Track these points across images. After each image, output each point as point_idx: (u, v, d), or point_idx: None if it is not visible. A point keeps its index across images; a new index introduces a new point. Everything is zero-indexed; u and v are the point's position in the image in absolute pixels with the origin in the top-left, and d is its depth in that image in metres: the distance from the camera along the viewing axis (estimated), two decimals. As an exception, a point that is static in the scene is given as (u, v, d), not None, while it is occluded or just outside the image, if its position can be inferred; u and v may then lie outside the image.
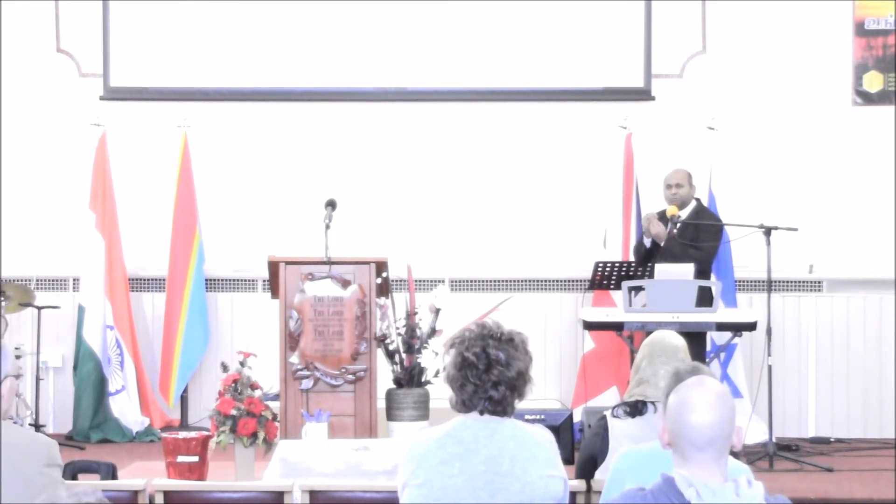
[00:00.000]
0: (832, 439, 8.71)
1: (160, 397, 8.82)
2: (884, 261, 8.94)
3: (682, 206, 8.11)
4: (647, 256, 8.12)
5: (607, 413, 4.68)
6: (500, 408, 3.54)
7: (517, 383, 3.54)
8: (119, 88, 9.15)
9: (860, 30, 9.08)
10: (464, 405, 3.56)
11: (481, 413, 3.55)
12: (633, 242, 8.50)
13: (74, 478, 5.76)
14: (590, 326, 7.82)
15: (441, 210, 9.14)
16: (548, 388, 8.74)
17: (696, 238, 8.00)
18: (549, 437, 3.60)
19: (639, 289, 7.77)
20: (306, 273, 6.77)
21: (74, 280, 8.96)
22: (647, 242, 8.09)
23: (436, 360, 6.58)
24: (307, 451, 5.89)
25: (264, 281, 8.54)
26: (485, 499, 3.48)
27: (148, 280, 9.07)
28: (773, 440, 7.61)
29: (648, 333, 6.28)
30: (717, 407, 3.01)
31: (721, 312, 7.65)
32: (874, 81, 9.08)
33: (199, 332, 8.80)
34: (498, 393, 3.52)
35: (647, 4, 9.06)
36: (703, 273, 7.86)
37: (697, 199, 8.21)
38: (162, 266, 8.86)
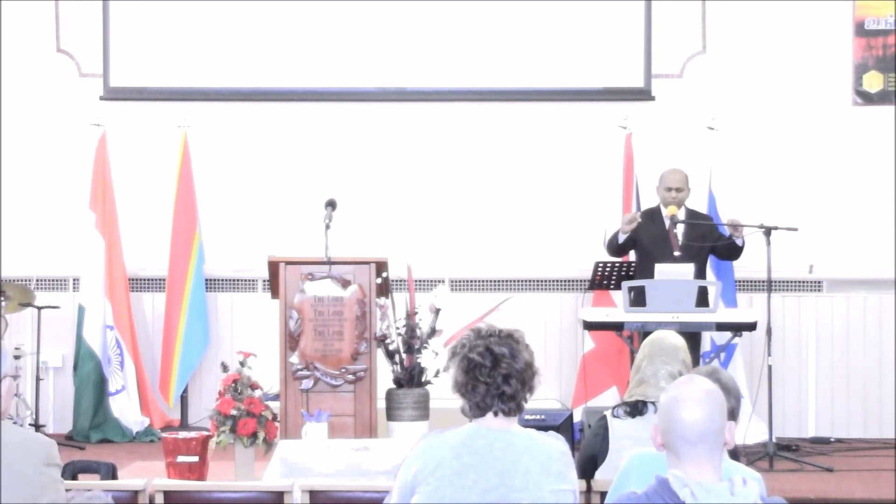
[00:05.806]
0: (832, 439, 8.71)
1: (160, 397, 8.81)
2: (884, 261, 8.94)
3: (679, 206, 8.11)
4: (619, 250, 8.10)
5: (607, 413, 4.69)
6: (514, 403, 3.53)
7: (526, 375, 3.54)
8: (119, 88, 9.15)
9: (860, 30, 9.08)
10: (478, 408, 3.54)
11: (496, 414, 3.54)
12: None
13: (74, 478, 5.75)
14: (590, 326, 7.81)
15: (441, 210, 9.14)
16: (548, 388, 8.72)
17: (706, 237, 8.00)
18: (563, 447, 3.59)
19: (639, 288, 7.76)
20: (306, 273, 6.77)
21: (74, 280, 8.95)
22: (622, 238, 8.04)
23: (436, 360, 6.59)
24: (307, 451, 5.89)
25: (264, 281, 8.54)
26: None
27: (148, 280, 9.07)
28: (773, 440, 7.60)
29: (647, 334, 6.28)
30: (706, 402, 3.04)
31: (721, 312, 7.65)
32: (874, 81, 9.07)
33: (199, 332, 8.80)
34: (510, 387, 3.51)
35: (647, 4, 9.06)
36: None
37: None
38: (162, 266, 8.85)
